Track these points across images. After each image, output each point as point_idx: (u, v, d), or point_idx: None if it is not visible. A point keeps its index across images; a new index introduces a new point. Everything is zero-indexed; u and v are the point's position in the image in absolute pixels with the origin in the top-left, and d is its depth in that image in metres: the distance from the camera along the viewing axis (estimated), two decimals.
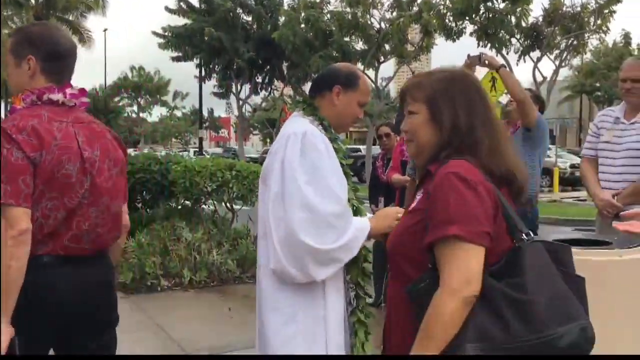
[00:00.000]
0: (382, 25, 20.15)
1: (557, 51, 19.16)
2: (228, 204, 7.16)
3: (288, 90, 30.95)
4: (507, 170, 1.55)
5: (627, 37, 26.55)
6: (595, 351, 2.59)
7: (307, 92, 2.44)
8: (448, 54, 3.95)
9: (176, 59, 26.97)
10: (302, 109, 2.27)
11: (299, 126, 2.14)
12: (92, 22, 65.94)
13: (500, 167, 1.54)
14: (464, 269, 1.39)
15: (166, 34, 26.55)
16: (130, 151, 18.19)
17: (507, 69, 4.08)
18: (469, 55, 4.02)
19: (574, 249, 2.72)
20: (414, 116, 1.64)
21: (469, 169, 1.49)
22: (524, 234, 1.47)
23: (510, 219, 1.48)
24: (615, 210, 3.29)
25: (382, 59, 21.51)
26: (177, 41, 26.34)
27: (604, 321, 2.61)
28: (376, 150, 10.19)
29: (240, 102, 29.76)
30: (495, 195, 1.48)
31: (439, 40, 20.17)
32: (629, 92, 3.45)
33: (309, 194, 1.99)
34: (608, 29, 18.28)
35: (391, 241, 1.62)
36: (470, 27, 18.25)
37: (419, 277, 1.48)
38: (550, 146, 22.85)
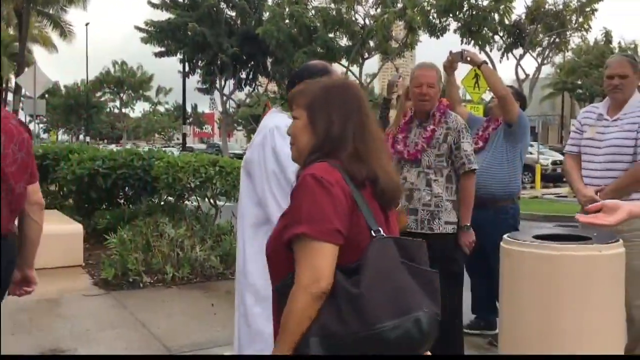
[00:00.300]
0: (367, 21, 20.19)
1: (539, 49, 19.34)
2: (211, 200, 7.13)
3: (272, 86, 30.90)
4: (372, 174, 1.61)
5: (607, 35, 26.89)
6: (575, 344, 2.63)
7: None
8: (432, 50, 3.95)
9: (159, 54, 26.78)
10: (280, 104, 2.45)
11: (280, 120, 2.29)
12: (74, 16, 65.01)
13: (368, 172, 1.61)
14: (314, 266, 1.45)
15: (149, 28, 26.33)
16: (113, 147, 18.05)
17: (489, 65, 4.10)
18: (451, 52, 4.04)
19: (556, 245, 2.76)
20: (296, 121, 1.73)
21: (326, 171, 1.56)
22: (373, 232, 1.53)
23: (361, 218, 1.55)
24: (595, 207, 3.32)
25: (366, 55, 21.55)
26: (160, 36, 26.15)
27: (583, 315, 2.64)
28: None
29: (224, 98, 29.63)
30: (351, 196, 1.54)
31: (423, 37, 20.26)
32: (616, 88, 3.46)
33: None
34: (589, 27, 18.49)
35: (268, 243, 1.68)
36: (454, 24, 18.36)
37: (286, 276, 1.54)
38: (532, 143, 23.10)
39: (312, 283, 1.45)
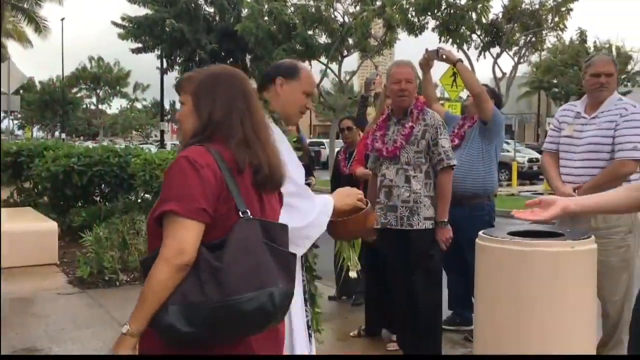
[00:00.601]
0: (346, 19, 20.19)
1: (516, 48, 19.52)
2: None
3: (252, 83, 30.70)
4: (255, 161, 1.72)
5: (582, 34, 27.25)
6: (550, 336, 2.67)
7: None
8: (411, 48, 4.00)
9: (136, 51, 26.47)
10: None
11: None
12: (49, 11, 64.12)
13: (251, 158, 1.71)
14: (178, 240, 1.56)
15: (126, 24, 26.02)
16: (89, 144, 17.81)
17: (464, 63, 4.14)
18: (427, 50, 4.08)
19: (529, 241, 2.80)
20: (183, 106, 1.85)
21: (200, 154, 1.66)
22: (240, 213, 1.65)
23: (232, 200, 1.66)
24: None
25: (345, 52, 21.55)
26: (138, 32, 25.84)
27: (556, 310, 2.69)
28: (341, 143, 10.19)
29: None
30: (222, 179, 1.64)
31: (402, 35, 20.33)
32: (602, 86, 3.46)
33: None
34: (565, 26, 18.71)
35: (147, 221, 1.77)
36: (432, 23, 18.45)
37: (154, 250, 1.63)
38: (509, 141, 23.36)
39: (175, 255, 1.54)
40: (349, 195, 2.38)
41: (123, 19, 26.26)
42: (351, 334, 4.30)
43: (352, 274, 2.80)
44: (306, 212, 2.17)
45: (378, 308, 4.15)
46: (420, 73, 4.06)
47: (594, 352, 2.82)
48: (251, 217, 1.65)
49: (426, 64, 4.11)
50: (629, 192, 2.09)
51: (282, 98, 2.36)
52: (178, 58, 27.05)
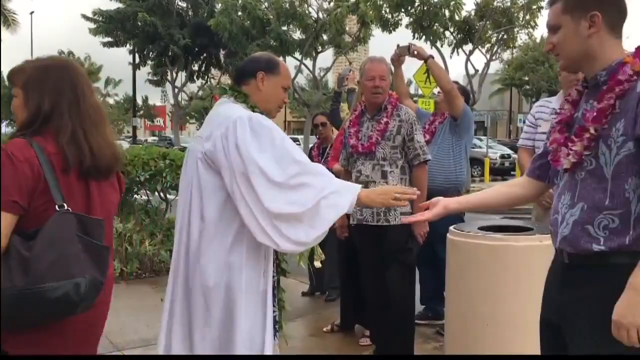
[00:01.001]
0: (320, 15, 20.18)
1: (488, 45, 19.73)
2: (161, 194, 7.01)
3: (226, 79, 30.54)
4: (80, 154, 1.77)
5: None
6: (519, 331, 2.71)
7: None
8: (385, 45, 4.02)
9: (108, 44, 26.10)
10: (233, 96, 2.34)
11: (241, 111, 2.22)
12: (17, 4, 62.72)
13: (78, 152, 1.77)
14: None
15: (97, 18, 25.62)
16: None
17: (435, 60, 4.17)
18: (398, 46, 4.10)
19: (498, 236, 2.84)
20: (15, 99, 1.85)
21: (20, 147, 1.71)
22: (57, 206, 1.70)
23: (51, 194, 1.71)
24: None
25: (320, 49, 21.55)
26: (109, 26, 25.47)
27: (526, 302, 2.73)
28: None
29: (176, 90, 29.15)
30: (39, 173, 1.69)
31: (376, 31, 20.39)
32: (579, 82, 3.47)
33: (270, 168, 2.09)
34: (536, 24, 18.97)
35: None
36: (406, 20, 18.54)
37: None
38: (481, 137, 23.64)
39: None
40: (385, 193, 2.27)
41: (94, 13, 25.86)
42: (324, 329, 4.31)
43: (317, 264, 2.81)
44: (318, 189, 2.12)
45: (353, 304, 4.16)
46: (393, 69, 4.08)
47: None
48: (68, 210, 1.71)
49: (397, 60, 4.12)
50: (499, 188, 2.20)
51: (264, 93, 2.34)
52: (150, 53, 26.77)
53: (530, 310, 2.71)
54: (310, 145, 5.72)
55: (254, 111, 2.27)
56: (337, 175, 4.55)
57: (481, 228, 2.97)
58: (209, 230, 2.19)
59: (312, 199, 2.10)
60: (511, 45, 21.07)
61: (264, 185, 2.08)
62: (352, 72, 4.36)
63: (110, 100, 61.10)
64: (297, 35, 20.97)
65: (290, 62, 24.02)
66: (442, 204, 2.11)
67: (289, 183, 2.10)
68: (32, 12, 43.42)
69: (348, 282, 4.21)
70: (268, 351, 2.27)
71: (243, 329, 2.20)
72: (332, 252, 4.43)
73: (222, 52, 26.11)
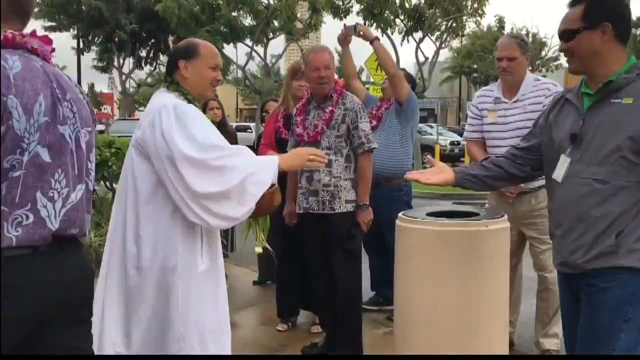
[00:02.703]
0: (271, 1, 19.96)
1: (437, 33, 19.96)
2: (107, 183, 6.81)
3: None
4: None
5: (501, 21, 28.25)
6: (464, 316, 2.74)
7: None
8: (336, 32, 4.00)
9: (50, 29, 25.13)
10: (166, 86, 2.46)
11: (167, 100, 2.34)
12: None
13: None
14: None
15: (37, 1, 24.60)
16: None
17: (380, 42, 4.16)
18: (345, 26, 4.10)
19: (446, 221, 2.86)
20: None
21: None
22: None
23: None
24: (516, 190, 3.43)
25: (271, 35, 21.35)
26: (51, 10, 24.53)
27: (471, 287, 2.76)
28: None
29: (124, 77, 28.41)
30: None
31: (327, 18, 20.34)
32: (505, 70, 3.47)
33: (194, 153, 2.21)
34: (484, 12, 19.30)
35: None
36: (357, 7, 18.55)
37: None
38: (432, 124, 24.01)
39: None
40: (299, 156, 2.50)
41: None
42: (279, 328, 4.20)
43: (258, 249, 2.85)
44: (240, 169, 2.26)
45: (298, 291, 4.14)
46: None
47: (507, 328, 2.93)
48: None
49: (344, 40, 4.11)
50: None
51: (190, 79, 2.44)
52: (96, 38, 25.95)
53: (477, 294, 2.76)
54: (260, 132, 5.64)
55: (187, 98, 2.40)
56: None
57: (430, 214, 2.98)
58: (143, 213, 2.30)
59: (236, 177, 2.24)
60: (460, 34, 21.40)
61: (189, 168, 2.21)
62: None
63: None
64: (248, 21, 20.71)
65: (241, 49, 23.73)
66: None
67: (212, 164, 2.23)
68: None
69: (288, 271, 4.15)
70: (220, 331, 2.41)
71: (180, 310, 2.29)
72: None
73: (170, 38, 25.53)
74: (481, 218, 2.87)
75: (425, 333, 2.80)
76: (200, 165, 2.22)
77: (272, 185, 2.43)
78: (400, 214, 3.09)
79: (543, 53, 32.45)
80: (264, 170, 2.31)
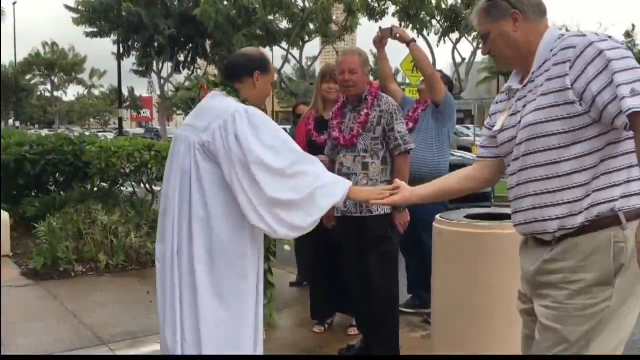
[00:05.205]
0: (306, 3, 20.04)
1: (474, 32, 19.74)
2: (147, 185, 6.95)
3: (212, 69, 30.34)
4: None
5: None
6: (504, 320, 2.70)
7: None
8: (371, 34, 3.99)
9: (91, 35, 25.78)
10: (224, 90, 2.47)
11: (236, 104, 2.36)
12: None
13: None
14: None
15: (79, 8, 25.28)
16: (44, 131, 17.29)
17: (417, 43, 4.14)
18: (380, 28, 4.07)
19: (484, 223, 2.83)
20: None
21: None
22: None
23: None
24: None
25: (306, 38, 21.45)
26: (92, 16, 25.15)
27: (511, 291, 2.72)
28: None
29: (162, 81, 28.91)
30: None
31: (363, 20, 20.31)
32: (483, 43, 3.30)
33: (269, 157, 2.22)
34: None
35: None
36: (392, 8, 18.49)
37: None
38: (469, 125, 23.68)
39: None
40: (371, 192, 2.44)
41: (77, 3, 25.51)
42: (316, 329, 4.21)
43: (287, 247, 2.90)
44: (313, 176, 2.28)
45: (326, 293, 4.14)
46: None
47: None
48: None
49: (380, 42, 4.09)
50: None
51: (258, 89, 2.51)
52: (135, 43, 26.49)
53: (515, 298, 2.71)
54: (292, 134, 5.66)
55: (245, 104, 2.40)
56: None
57: (467, 216, 2.96)
58: (214, 218, 2.30)
59: (308, 186, 2.25)
60: None
61: (264, 173, 2.21)
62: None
63: (96, 92, 60.58)
64: (284, 24, 20.87)
65: (276, 52, 23.89)
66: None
67: (287, 171, 2.24)
68: (14, 2, 42.73)
69: (320, 272, 4.16)
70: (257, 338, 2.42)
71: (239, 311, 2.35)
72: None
73: (207, 42, 25.88)
74: None
75: (464, 337, 2.77)
76: (275, 172, 2.23)
77: None
78: (437, 216, 3.07)
79: None
80: (335, 184, 2.32)
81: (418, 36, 17.85)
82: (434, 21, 18.69)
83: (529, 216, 1.91)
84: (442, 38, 19.03)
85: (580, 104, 1.74)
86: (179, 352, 2.33)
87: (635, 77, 1.67)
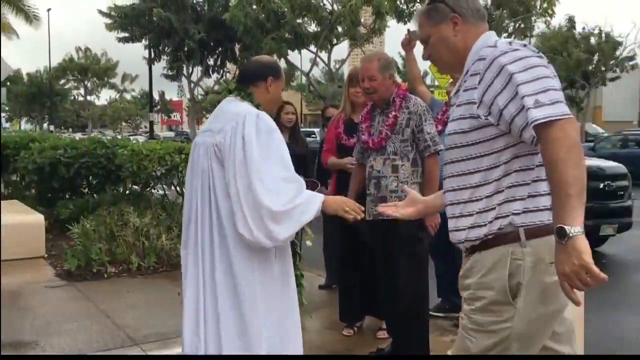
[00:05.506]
0: (335, 7, 20.06)
1: (505, 34, 19.51)
2: (178, 188, 7.04)
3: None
4: None
5: (571, 21, 27.29)
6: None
7: None
8: (400, 36, 3.97)
9: (123, 40, 26.24)
10: (239, 95, 2.56)
11: (249, 108, 2.44)
12: (34, 1, 62.99)
13: None
14: None
15: (112, 13, 25.76)
16: (78, 135, 17.64)
17: None
18: (409, 30, 4.05)
19: None
20: None
21: None
22: None
23: None
24: None
25: (335, 41, 21.46)
26: (124, 22, 25.60)
27: None
28: None
29: (192, 85, 29.25)
30: None
31: (391, 22, 20.25)
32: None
33: (263, 166, 2.29)
34: (553, 12, 18.73)
35: None
36: None
37: None
38: None
39: None
40: (342, 203, 2.48)
41: (110, 9, 25.99)
42: (345, 333, 4.21)
43: (309, 243, 2.95)
44: (293, 195, 2.33)
45: (355, 296, 4.13)
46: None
47: (582, 325, 2.82)
48: None
49: (408, 45, 4.08)
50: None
51: (270, 94, 2.61)
52: (166, 48, 26.86)
53: None
54: (322, 138, 5.67)
55: (258, 109, 2.48)
56: (335, 168, 4.51)
57: None
58: (227, 224, 2.34)
59: (294, 202, 2.31)
60: (528, 35, 20.82)
61: (261, 181, 2.27)
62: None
63: (127, 96, 61.64)
64: (312, 27, 20.90)
65: (305, 55, 23.95)
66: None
67: (279, 184, 2.31)
68: (49, 9, 43.66)
69: (349, 275, 4.15)
70: (295, 331, 2.52)
71: (257, 310, 2.38)
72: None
73: (237, 46, 26.10)
74: None
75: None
76: (269, 182, 2.28)
77: (316, 185, 2.62)
78: None
79: (617, 52, 31.02)
80: (312, 202, 2.36)
81: None
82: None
83: (450, 225, 1.91)
84: None
85: (487, 118, 1.73)
86: (200, 353, 2.39)
87: (540, 88, 1.63)
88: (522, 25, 19.11)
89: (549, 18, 19.15)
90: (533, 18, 18.97)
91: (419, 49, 4.21)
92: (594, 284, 1.47)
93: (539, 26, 21.14)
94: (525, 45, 1.76)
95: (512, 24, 19.07)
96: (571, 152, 1.54)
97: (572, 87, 32.25)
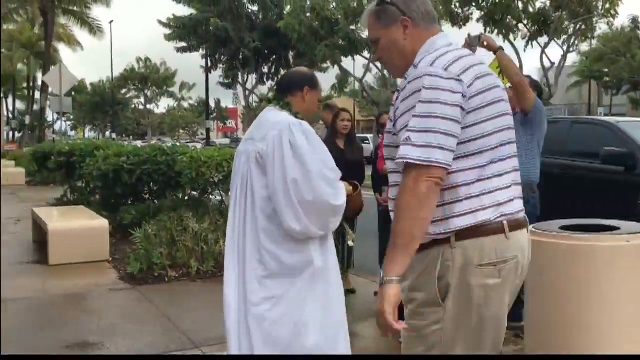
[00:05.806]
0: None
1: (564, 36, 18.96)
2: None
3: None
4: None
5: (635, 21, 26.28)
6: (603, 335, 2.57)
7: None
8: (455, 41, 3.89)
9: (181, 50, 26.97)
10: (279, 105, 2.67)
11: (290, 117, 2.56)
12: (97, 14, 65.52)
13: None
14: None
15: (171, 24, 26.52)
16: (138, 143, 18.24)
17: (504, 51, 4.03)
18: (469, 35, 4.00)
19: (582, 235, 2.70)
20: None
21: None
22: None
23: None
24: None
25: None
26: (183, 32, 26.32)
27: (611, 306, 2.59)
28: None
29: (247, 93, 29.74)
30: None
31: (446, 26, 20.02)
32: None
33: (319, 166, 2.44)
34: (616, 12, 18.07)
35: None
36: (476, 14, 18.12)
37: None
38: None
39: None
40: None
41: (169, 20, 26.79)
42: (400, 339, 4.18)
43: (351, 243, 3.00)
44: (340, 193, 2.51)
45: None
46: None
47: None
48: None
49: (468, 49, 4.02)
50: None
51: (307, 104, 2.71)
52: (222, 57, 27.45)
53: (617, 312, 2.58)
54: (376, 145, 5.65)
55: (296, 117, 2.61)
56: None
57: (563, 227, 2.84)
58: (262, 225, 2.51)
59: (337, 202, 2.47)
60: (589, 36, 20.17)
61: (321, 179, 2.41)
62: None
63: (185, 104, 63.24)
64: (365, 34, 20.91)
65: (359, 61, 23.94)
66: None
67: (330, 183, 2.45)
68: (111, 22, 45.41)
69: None
70: (338, 328, 2.64)
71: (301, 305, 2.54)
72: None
73: (291, 54, 26.39)
74: (622, 232, 2.68)
75: (561, 352, 2.66)
76: (322, 179, 2.43)
77: (356, 187, 2.78)
78: (531, 227, 2.96)
79: None
80: (341, 212, 2.53)
81: (504, 41, 17.37)
82: (521, 25, 18.11)
83: None
84: (530, 42, 18.39)
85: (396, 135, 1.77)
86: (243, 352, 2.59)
87: (420, 127, 1.63)
88: (583, 27, 18.51)
89: (611, 19, 18.49)
90: (595, 19, 18.35)
91: (479, 53, 4.19)
92: (384, 331, 1.62)
93: (601, 27, 20.43)
94: (446, 69, 1.71)
95: (573, 25, 18.50)
96: (411, 205, 1.62)
97: (636, 90, 30.99)
